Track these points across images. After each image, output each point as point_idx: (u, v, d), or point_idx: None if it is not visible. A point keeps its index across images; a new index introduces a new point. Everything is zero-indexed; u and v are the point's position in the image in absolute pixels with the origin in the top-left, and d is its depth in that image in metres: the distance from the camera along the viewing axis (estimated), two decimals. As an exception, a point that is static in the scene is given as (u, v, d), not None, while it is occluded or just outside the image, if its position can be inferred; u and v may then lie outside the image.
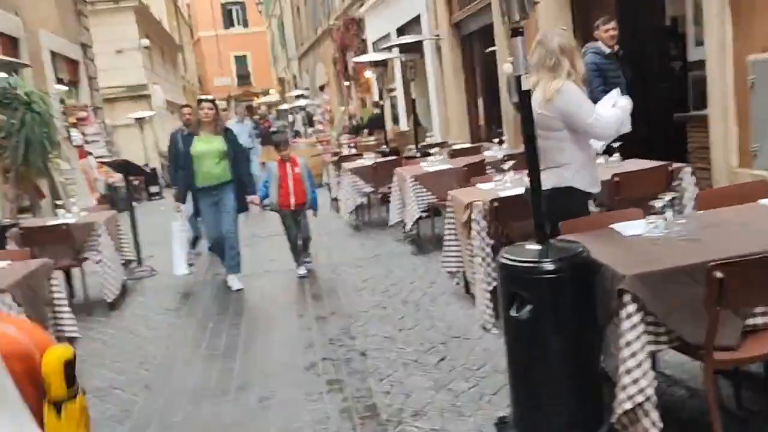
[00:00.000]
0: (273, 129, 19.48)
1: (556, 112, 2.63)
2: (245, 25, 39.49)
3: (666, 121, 5.00)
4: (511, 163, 3.99)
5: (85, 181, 10.17)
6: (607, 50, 4.63)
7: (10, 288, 2.68)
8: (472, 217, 3.46)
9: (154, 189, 13.07)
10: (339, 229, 7.00)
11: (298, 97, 18.54)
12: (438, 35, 9.74)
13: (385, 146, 8.36)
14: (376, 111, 11.35)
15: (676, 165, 3.67)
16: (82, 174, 10.13)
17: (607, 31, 4.61)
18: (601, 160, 3.67)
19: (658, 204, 2.24)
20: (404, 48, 7.30)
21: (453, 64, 9.82)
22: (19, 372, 0.97)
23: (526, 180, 2.65)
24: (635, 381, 1.89)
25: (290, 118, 19.57)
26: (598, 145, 2.97)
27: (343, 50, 15.80)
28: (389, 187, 6.04)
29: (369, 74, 13.59)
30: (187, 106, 6.73)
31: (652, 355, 2.09)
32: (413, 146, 7.74)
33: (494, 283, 3.39)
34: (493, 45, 7.89)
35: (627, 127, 2.70)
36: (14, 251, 3.78)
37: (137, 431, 2.81)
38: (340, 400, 2.82)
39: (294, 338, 3.71)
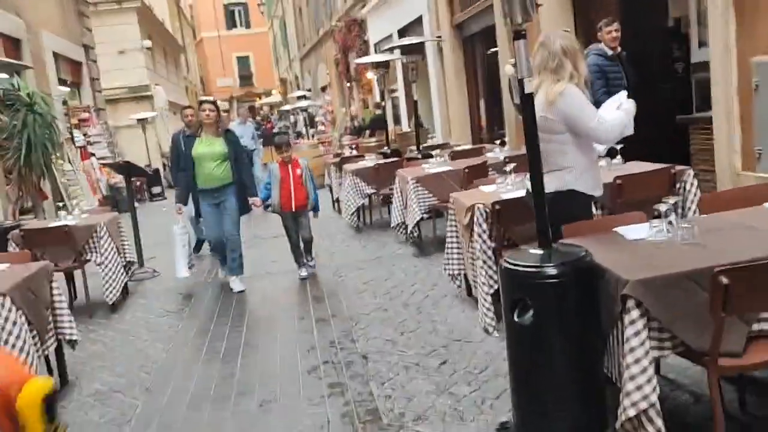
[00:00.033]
0: (275, 130, 19.52)
1: (559, 115, 2.61)
2: (247, 26, 39.54)
3: (669, 123, 4.98)
4: (512, 165, 3.97)
5: (87, 182, 10.18)
6: (610, 52, 4.61)
7: (10, 291, 2.67)
8: (474, 219, 3.44)
9: (156, 190, 13.09)
10: (340, 231, 6.99)
11: (300, 98, 18.54)
12: (440, 36, 9.73)
13: (386, 147, 8.35)
14: (378, 112, 11.34)
15: (679, 167, 3.65)
16: (84, 175, 10.15)
17: (609, 32, 4.59)
18: (602, 162, 3.65)
19: (662, 208, 2.22)
20: (406, 49, 7.29)
21: (455, 65, 9.81)
22: None
23: (528, 183, 2.63)
24: (639, 387, 1.87)
25: (292, 118, 19.58)
26: (601, 147, 2.95)
27: (344, 51, 15.80)
28: (391, 189, 6.03)
29: (371, 75, 13.59)
30: (189, 107, 6.73)
31: (656, 361, 2.07)
32: (415, 147, 7.72)
33: (496, 286, 3.38)
34: (495, 46, 7.87)
35: (630, 130, 2.68)
36: (14, 254, 3.78)
37: (137, 435, 2.80)
38: (342, 404, 2.81)
39: (295, 341, 3.70)
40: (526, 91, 2.19)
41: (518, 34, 2.18)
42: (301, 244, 5.10)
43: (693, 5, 4.85)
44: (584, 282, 2.08)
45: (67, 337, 3.26)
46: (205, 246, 6.07)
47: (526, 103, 2.22)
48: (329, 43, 18.28)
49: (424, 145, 7.99)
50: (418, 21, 11.02)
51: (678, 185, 3.61)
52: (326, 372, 3.18)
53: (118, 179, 10.39)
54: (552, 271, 2.05)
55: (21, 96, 7.25)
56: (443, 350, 3.25)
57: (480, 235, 3.42)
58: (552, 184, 2.54)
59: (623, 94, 2.76)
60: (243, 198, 4.82)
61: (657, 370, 2.10)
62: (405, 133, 10.54)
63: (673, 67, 6.12)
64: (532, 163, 2.25)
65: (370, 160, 7.35)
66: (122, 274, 4.79)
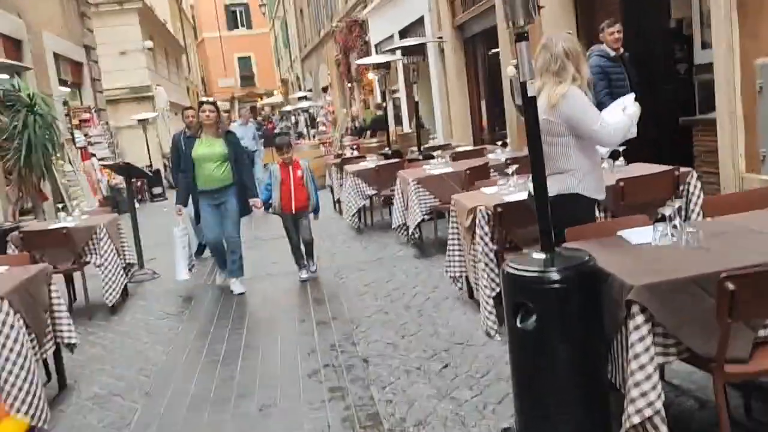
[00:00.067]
0: (277, 131, 19.51)
1: (561, 117, 2.59)
2: (249, 26, 39.57)
3: (671, 124, 4.95)
4: (514, 167, 3.95)
5: (87, 182, 10.17)
6: (612, 53, 4.59)
7: (8, 294, 2.65)
8: (476, 222, 3.42)
9: (157, 190, 13.09)
10: (341, 232, 6.97)
11: (301, 98, 18.54)
12: (441, 37, 9.71)
13: (387, 148, 8.33)
14: (379, 113, 11.33)
15: (682, 169, 3.62)
16: (84, 175, 10.14)
17: (612, 33, 4.57)
18: (605, 164, 3.62)
19: (666, 211, 2.19)
20: (407, 50, 7.27)
21: (456, 66, 9.79)
22: None
23: (530, 186, 2.61)
24: (644, 394, 1.84)
25: (293, 119, 19.58)
26: (603, 150, 2.93)
27: (345, 52, 15.79)
28: (392, 190, 6.01)
29: (372, 76, 13.57)
30: (190, 108, 6.71)
31: (660, 366, 2.05)
32: (416, 148, 7.70)
33: (498, 289, 3.36)
34: (497, 47, 7.85)
35: (633, 132, 2.65)
36: (13, 256, 3.77)
37: (136, 439, 2.78)
38: (342, 409, 2.78)
39: (295, 344, 3.67)
40: (529, 93, 2.17)
41: (520, 37, 2.16)
42: (302, 246, 5.07)
43: (696, 6, 4.82)
44: (588, 287, 2.05)
45: (66, 341, 3.24)
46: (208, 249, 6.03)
47: (529, 106, 2.19)
48: (330, 43, 18.27)
49: (426, 146, 7.96)
50: (420, 22, 11.00)
51: (681, 187, 3.58)
52: (327, 376, 3.16)
53: (119, 180, 10.39)
54: (555, 276, 2.03)
55: (21, 97, 7.24)
56: (445, 354, 3.23)
57: (482, 238, 3.39)
58: (554, 187, 2.51)
59: (630, 96, 2.72)
60: (243, 199, 4.79)
61: (661, 376, 2.07)
62: (406, 134, 10.52)
63: (675, 69, 6.09)
64: (534, 166, 2.23)
65: (371, 161, 7.33)
66: (122, 275, 4.77)
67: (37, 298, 2.95)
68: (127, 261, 5.18)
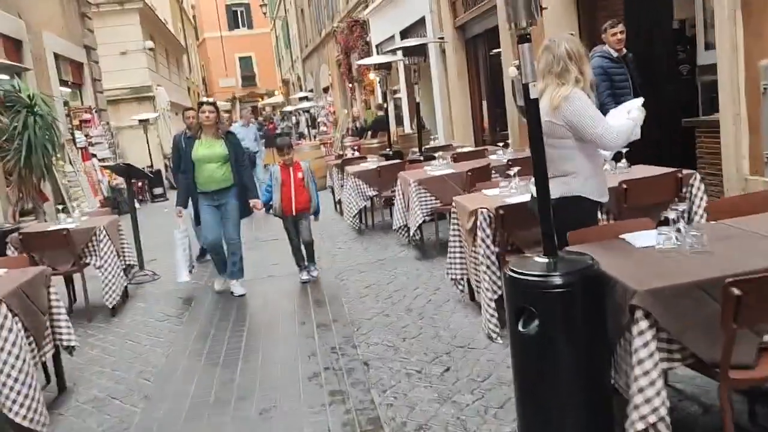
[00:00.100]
0: (278, 131, 19.47)
1: (563, 119, 2.57)
2: (250, 26, 39.57)
3: (674, 126, 4.92)
4: (516, 169, 3.92)
5: (88, 183, 10.17)
6: (615, 53, 4.56)
7: (6, 297, 2.63)
8: (477, 224, 3.40)
9: (158, 191, 13.09)
10: (342, 233, 6.95)
11: (302, 99, 18.52)
12: (442, 38, 9.68)
13: (388, 149, 8.30)
14: (380, 113, 11.30)
15: (685, 172, 3.59)
16: (85, 176, 10.13)
17: (614, 34, 4.54)
18: (607, 166, 3.60)
19: (671, 215, 2.17)
20: (408, 50, 7.25)
21: (457, 66, 9.77)
22: None
23: (532, 188, 2.59)
24: (648, 400, 1.82)
25: (293, 119, 19.56)
26: (607, 152, 2.90)
27: (346, 52, 15.77)
28: (393, 191, 5.99)
29: (373, 76, 13.55)
30: (191, 109, 6.69)
31: (664, 371, 2.02)
32: (417, 149, 7.68)
33: (500, 292, 3.34)
34: (498, 47, 7.83)
35: (636, 135, 2.63)
36: (11, 258, 3.75)
37: (135, 443, 2.76)
38: (343, 413, 2.76)
39: (296, 347, 3.65)
40: (531, 96, 2.14)
41: (523, 38, 2.13)
42: (303, 248, 5.04)
43: (699, 7, 4.79)
44: (591, 291, 2.03)
45: (65, 343, 3.22)
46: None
47: (531, 108, 2.17)
48: (331, 44, 18.26)
49: (427, 146, 7.93)
50: (421, 22, 10.99)
51: (684, 190, 3.56)
52: (327, 379, 3.14)
53: (120, 180, 10.37)
54: (558, 280, 2.01)
55: (21, 97, 7.23)
56: (446, 357, 3.21)
57: (483, 240, 3.37)
58: (557, 189, 2.49)
59: (638, 101, 2.69)
60: (244, 201, 4.77)
61: (664, 380, 2.05)
62: (407, 135, 10.50)
63: (677, 69, 6.07)
64: (537, 168, 2.20)
65: (372, 162, 7.31)
66: (122, 277, 4.75)
67: (36, 300, 2.93)
68: (128, 262, 5.16)
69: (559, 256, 2.15)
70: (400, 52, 8.40)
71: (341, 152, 11.04)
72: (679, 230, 2.18)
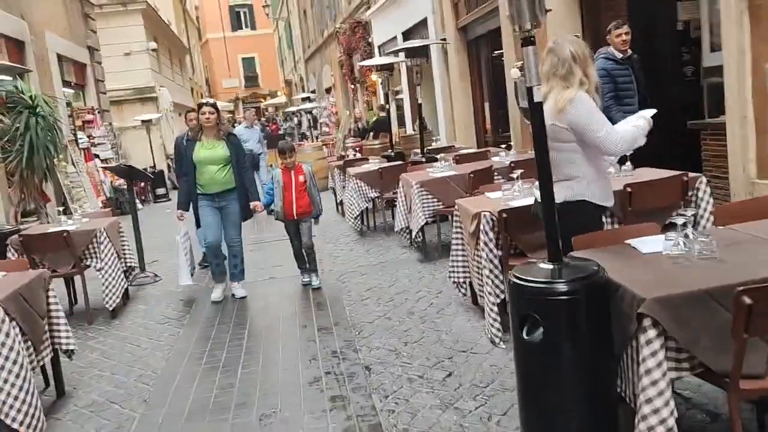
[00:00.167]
0: (281, 131, 19.44)
1: (567, 123, 2.53)
2: (253, 27, 39.62)
3: (679, 128, 4.88)
4: (519, 171, 3.88)
5: (90, 184, 10.16)
6: (619, 55, 4.52)
7: (3, 301, 2.60)
8: (480, 227, 3.36)
9: (160, 191, 13.09)
10: (344, 234, 6.92)
11: (304, 99, 18.52)
12: (444, 39, 9.65)
13: (390, 150, 8.27)
14: (382, 114, 11.27)
15: (691, 175, 3.54)
16: (88, 177, 10.13)
17: (619, 35, 4.50)
18: (611, 169, 3.55)
19: (679, 221, 2.13)
20: (410, 51, 7.21)
21: (459, 67, 9.73)
22: None
23: (536, 192, 2.55)
24: (656, 411, 1.78)
25: (295, 120, 19.55)
26: (612, 157, 2.86)
27: (349, 53, 15.75)
28: (395, 192, 5.96)
29: (375, 77, 13.51)
30: (193, 110, 6.67)
31: (671, 380, 1.98)
32: (419, 150, 7.65)
33: (503, 296, 3.30)
34: (500, 48, 7.79)
35: (641, 141, 2.58)
36: (10, 261, 3.72)
37: (134, 449, 2.73)
38: (344, 419, 2.73)
39: (297, 351, 3.62)
40: (535, 99, 2.10)
41: (527, 41, 2.10)
42: (304, 253, 4.96)
43: (705, 8, 4.75)
44: (596, 299, 1.99)
45: (64, 347, 3.20)
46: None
47: (536, 112, 2.13)
48: (334, 44, 18.24)
49: (429, 148, 7.90)
50: (423, 23, 10.95)
51: (690, 193, 3.51)
52: (328, 384, 3.10)
53: (122, 181, 10.36)
54: (563, 287, 1.97)
55: (23, 98, 7.23)
56: (448, 362, 3.17)
57: (486, 244, 3.33)
58: (561, 193, 2.46)
59: (650, 111, 2.64)
60: (245, 203, 4.73)
61: (672, 388, 2.01)
62: (409, 136, 10.46)
63: (681, 71, 6.02)
64: (541, 173, 2.16)
65: (373, 164, 7.28)
66: (122, 279, 4.72)
67: (34, 304, 2.91)
68: (128, 264, 5.14)
69: (564, 262, 2.11)
70: (402, 54, 8.36)
71: (343, 153, 11.01)
72: (687, 236, 2.14)
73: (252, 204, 4.74)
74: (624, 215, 3.41)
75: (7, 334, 2.52)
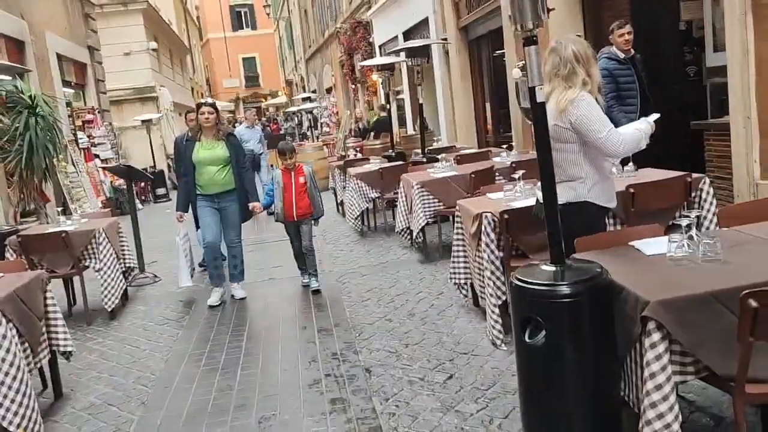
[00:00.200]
0: (281, 131, 19.39)
1: (569, 123, 2.50)
2: (253, 27, 39.62)
3: (681, 128, 4.85)
4: (521, 172, 3.86)
5: (90, 184, 10.14)
6: (622, 55, 4.49)
7: (0, 303, 2.58)
8: (482, 228, 3.33)
9: (161, 191, 13.07)
10: (344, 235, 6.90)
11: (305, 99, 18.50)
12: (445, 39, 9.62)
13: (391, 150, 8.25)
14: (383, 114, 11.25)
15: (694, 176, 3.52)
16: (88, 177, 10.11)
17: (621, 35, 4.47)
18: (614, 170, 3.52)
19: (683, 222, 2.10)
20: (411, 51, 7.19)
21: (460, 67, 9.71)
22: None
23: (539, 193, 2.52)
24: (660, 416, 1.75)
25: (295, 119, 19.54)
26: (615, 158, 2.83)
27: (350, 53, 15.73)
28: (395, 193, 5.93)
29: (376, 77, 13.49)
30: (193, 110, 6.64)
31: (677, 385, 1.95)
32: (420, 150, 7.62)
33: (504, 297, 3.27)
34: (502, 48, 7.76)
35: (643, 144, 2.56)
36: (7, 262, 3.69)
37: (132, 452, 2.70)
38: (344, 422, 2.70)
39: (296, 352, 3.59)
40: (538, 99, 2.08)
41: (529, 40, 2.07)
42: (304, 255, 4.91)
43: (708, 8, 4.72)
44: (600, 301, 1.96)
45: (62, 349, 3.17)
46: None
47: (538, 113, 2.10)
48: (334, 44, 18.22)
49: (429, 148, 7.87)
50: (424, 23, 10.92)
51: (693, 194, 3.48)
52: (328, 386, 3.08)
53: (122, 181, 10.34)
54: (566, 290, 1.94)
55: (23, 98, 7.20)
56: (449, 364, 3.14)
57: (488, 245, 3.31)
58: (564, 195, 2.43)
59: (654, 116, 2.61)
60: (245, 204, 4.70)
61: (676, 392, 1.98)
62: (410, 136, 10.44)
63: (684, 71, 5.99)
64: (544, 174, 2.14)
65: (374, 164, 7.26)
66: (121, 280, 4.70)
67: (32, 305, 2.88)
68: (127, 265, 5.11)
69: (566, 264, 2.08)
70: (403, 53, 8.34)
71: (344, 153, 10.98)
72: (691, 237, 2.11)
73: (251, 205, 4.71)
74: (626, 216, 3.38)
75: (4, 336, 2.50)
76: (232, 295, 4.81)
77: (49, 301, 3.09)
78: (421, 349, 3.38)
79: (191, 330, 4.22)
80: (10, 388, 2.48)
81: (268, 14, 33.69)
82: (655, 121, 2.59)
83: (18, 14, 8.52)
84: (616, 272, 2.01)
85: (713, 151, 4.44)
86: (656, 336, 1.77)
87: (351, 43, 15.34)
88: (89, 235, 4.49)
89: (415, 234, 5.32)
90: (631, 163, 3.82)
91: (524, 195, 3.57)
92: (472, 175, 5.03)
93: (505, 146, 6.97)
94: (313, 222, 4.81)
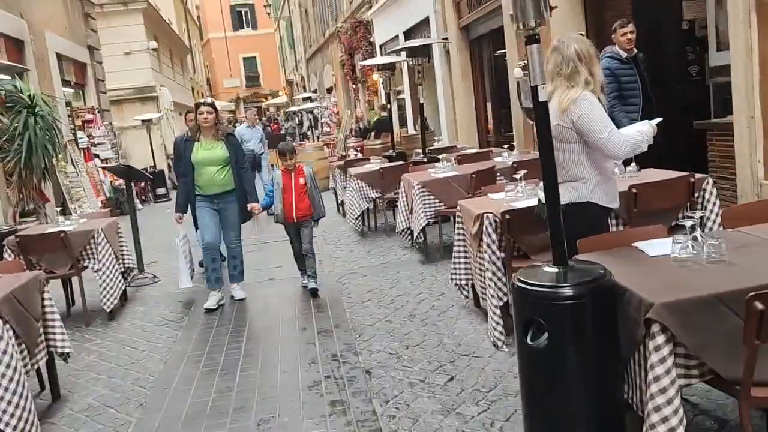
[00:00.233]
0: (282, 131, 19.36)
1: (571, 123, 2.48)
2: (254, 27, 39.61)
3: (684, 128, 4.82)
4: (522, 172, 3.83)
5: (90, 184, 10.12)
6: (624, 54, 4.46)
7: (-3, 304, 2.56)
8: (483, 229, 3.31)
9: (161, 191, 13.05)
10: (344, 235, 6.87)
11: (305, 99, 18.47)
12: (446, 38, 9.59)
13: (391, 150, 8.22)
14: (383, 114, 11.23)
15: (698, 176, 3.49)
16: (87, 177, 10.09)
17: (624, 34, 4.44)
18: (616, 170, 3.50)
19: (687, 224, 2.07)
20: (412, 51, 7.17)
21: (461, 67, 9.68)
22: None
23: (541, 194, 2.50)
24: (665, 420, 1.73)
25: (296, 119, 19.51)
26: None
27: (350, 53, 15.70)
28: (396, 193, 5.90)
29: (376, 77, 13.46)
30: (192, 111, 6.61)
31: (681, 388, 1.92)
32: (420, 150, 7.59)
33: (505, 299, 3.25)
34: (503, 48, 7.73)
35: (644, 147, 2.53)
36: (5, 263, 3.67)
37: (130, 454, 2.68)
38: (344, 424, 2.68)
39: (296, 354, 3.57)
40: (540, 98, 2.05)
41: (531, 39, 2.04)
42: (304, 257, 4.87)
43: (711, 8, 4.69)
44: (603, 303, 1.94)
45: (59, 350, 3.14)
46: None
47: (541, 112, 2.08)
48: (335, 44, 18.20)
49: (430, 148, 7.85)
50: (425, 22, 10.90)
51: (696, 194, 3.46)
52: (328, 388, 3.05)
53: (122, 181, 10.32)
54: (568, 291, 1.91)
55: (22, 98, 7.18)
56: (450, 366, 3.12)
57: (489, 246, 3.28)
58: (566, 195, 2.40)
59: (656, 121, 2.58)
60: (244, 204, 4.67)
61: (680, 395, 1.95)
62: (411, 136, 10.41)
63: (686, 70, 5.97)
64: (546, 174, 2.11)
65: (375, 164, 7.23)
66: (120, 280, 4.67)
67: (29, 306, 2.86)
68: (127, 265, 5.09)
69: (569, 265, 2.06)
70: (403, 53, 8.32)
71: (344, 153, 10.96)
72: (695, 238, 2.09)
73: (249, 206, 4.66)
74: (629, 216, 3.36)
75: (0, 337, 2.47)
76: (232, 296, 4.79)
77: (46, 302, 3.06)
78: (422, 351, 3.35)
79: (190, 331, 4.20)
80: (6, 390, 2.45)
81: (268, 14, 33.64)
82: (657, 124, 2.56)
83: (17, 13, 8.50)
84: (619, 274, 1.99)
85: (716, 151, 4.41)
86: (660, 339, 1.74)
87: (352, 43, 15.31)
88: (88, 236, 4.47)
89: (415, 234, 5.30)
90: (633, 163, 3.79)
91: (526, 195, 3.55)
92: (473, 176, 5.00)
93: (506, 146, 6.94)
94: (313, 223, 4.77)
